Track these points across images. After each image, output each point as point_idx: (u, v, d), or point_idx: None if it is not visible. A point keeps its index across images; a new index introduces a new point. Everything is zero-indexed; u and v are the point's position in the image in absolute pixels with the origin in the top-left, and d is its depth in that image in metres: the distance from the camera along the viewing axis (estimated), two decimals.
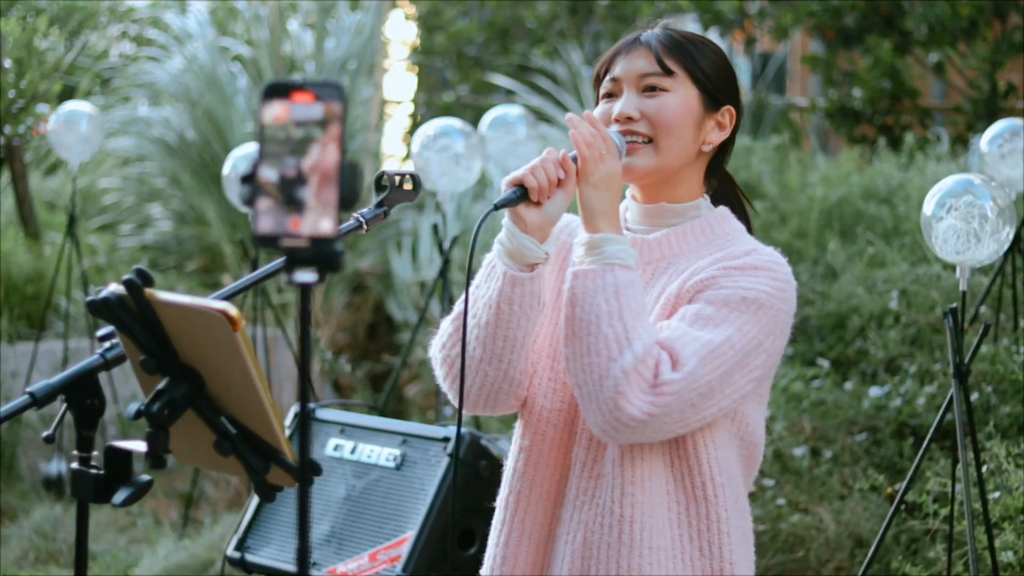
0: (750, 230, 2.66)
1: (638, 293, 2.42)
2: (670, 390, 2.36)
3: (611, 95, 2.60)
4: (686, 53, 2.56)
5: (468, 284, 2.61)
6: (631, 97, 2.56)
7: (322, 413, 4.31)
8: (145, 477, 2.18)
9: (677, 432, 2.43)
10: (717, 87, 2.58)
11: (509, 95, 10.75)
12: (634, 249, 2.46)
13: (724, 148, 2.65)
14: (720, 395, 2.42)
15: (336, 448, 4.20)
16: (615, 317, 2.38)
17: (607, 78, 2.60)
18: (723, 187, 2.70)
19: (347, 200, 1.66)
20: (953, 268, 4.05)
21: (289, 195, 1.66)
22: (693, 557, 2.49)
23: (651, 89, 2.55)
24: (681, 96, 2.55)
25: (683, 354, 2.37)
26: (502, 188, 2.51)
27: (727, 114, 2.61)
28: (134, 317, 2.10)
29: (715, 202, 2.67)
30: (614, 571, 2.48)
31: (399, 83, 11.82)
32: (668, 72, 2.55)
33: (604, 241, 2.43)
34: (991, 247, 3.88)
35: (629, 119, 2.55)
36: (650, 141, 2.55)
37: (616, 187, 2.48)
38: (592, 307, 2.39)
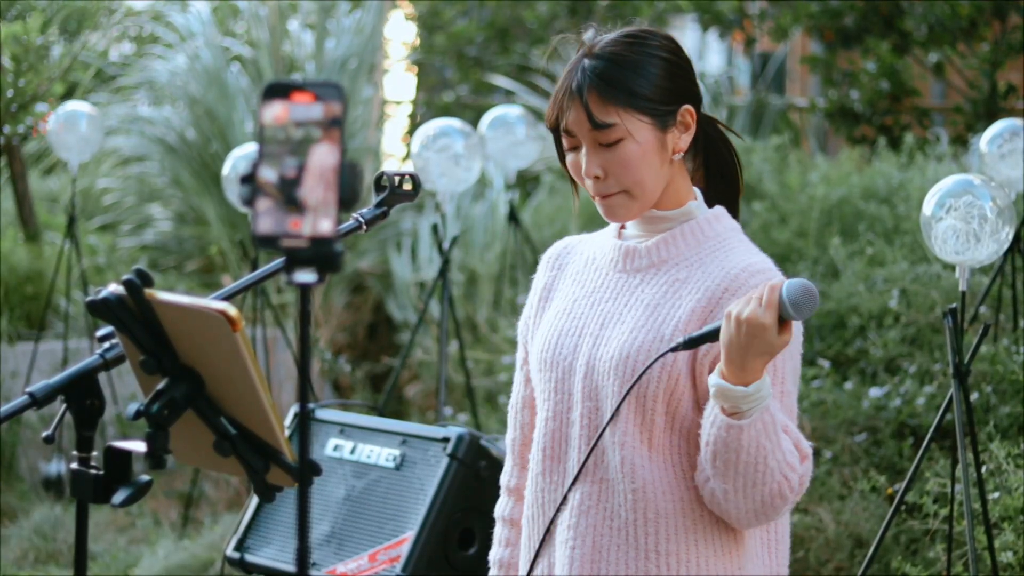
0: (735, 205, 2.66)
1: (776, 413, 2.43)
2: (808, 478, 2.47)
3: (574, 146, 2.56)
4: (622, 91, 2.50)
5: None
6: (591, 154, 2.53)
7: (322, 413, 4.31)
8: (145, 477, 2.18)
9: None
10: (666, 103, 2.53)
11: (509, 95, 10.76)
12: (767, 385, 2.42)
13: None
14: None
15: (336, 448, 4.20)
16: (775, 452, 2.40)
17: (561, 127, 2.55)
18: (711, 156, 2.68)
19: (347, 200, 1.66)
20: (953, 268, 4.05)
21: (289, 195, 1.66)
22: (708, 559, 2.50)
23: (605, 139, 2.51)
24: (637, 138, 2.51)
25: (799, 438, 2.47)
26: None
27: (686, 114, 2.55)
28: (134, 317, 2.10)
29: (709, 179, 2.67)
30: (623, 571, 2.50)
31: (399, 83, 11.82)
32: (610, 125, 2.49)
33: (749, 393, 2.38)
34: (991, 247, 3.88)
35: (597, 178, 2.53)
36: (623, 190, 2.54)
37: (758, 333, 2.35)
38: (757, 450, 2.40)
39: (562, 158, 2.60)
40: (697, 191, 2.62)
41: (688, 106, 2.56)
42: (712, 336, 2.41)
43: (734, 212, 2.66)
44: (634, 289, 2.57)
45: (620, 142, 2.51)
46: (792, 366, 2.50)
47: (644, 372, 2.46)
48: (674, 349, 2.45)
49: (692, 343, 2.43)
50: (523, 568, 2.65)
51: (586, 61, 2.54)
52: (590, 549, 2.53)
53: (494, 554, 2.76)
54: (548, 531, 2.59)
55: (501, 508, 2.77)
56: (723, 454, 2.39)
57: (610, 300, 2.59)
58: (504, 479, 2.77)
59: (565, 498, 2.56)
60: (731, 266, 2.52)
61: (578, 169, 2.56)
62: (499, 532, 2.77)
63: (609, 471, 2.52)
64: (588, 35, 2.60)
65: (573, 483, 2.55)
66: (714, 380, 2.39)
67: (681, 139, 2.56)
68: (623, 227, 2.65)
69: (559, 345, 2.59)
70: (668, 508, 2.49)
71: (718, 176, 2.67)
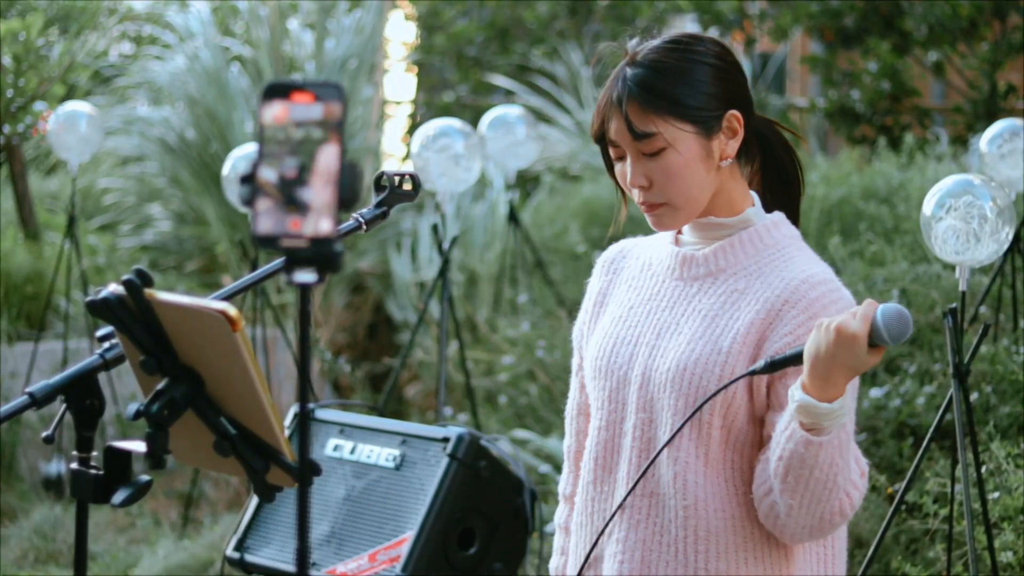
0: (795, 209, 2.63)
1: (849, 433, 2.38)
2: (863, 496, 2.42)
3: (620, 156, 2.53)
4: (662, 99, 2.46)
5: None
6: (635, 163, 2.49)
7: (322, 413, 4.31)
8: (145, 477, 2.18)
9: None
10: (711, 109, 2.49)
11: (509, 95, 10.76)
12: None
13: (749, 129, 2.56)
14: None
15: (336, 448, 4.20)
16: (844, 470, 2.36)
17: (607, 137, 2.52)
18: (767, 159, 2.63)
19: (347, 200, 1.66)
20: (953, 268, 4.05)
21: (289, 195, 1.66)
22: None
23: (648, 149, 2.48)
24: (680, 148, 2.47)
25: (858, 455, 2.42)
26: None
27: (732, 119, 2.50)
28: (134, 317, 2.10)
29: (766, 179, 2.63)
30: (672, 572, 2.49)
31: (399, 83, 11.83)
32: (650, 135, 2.46)
33: (833, 410, 2.32)
34: (991, 247, 3.88)
35: (643, 187, 2.50)
36: (667, 202, 2.51)
37: (846, 344, 2.28)
38: (830, 467, 2.34)
39: (610, 168, 2.57)
40: (755, 196, 2.58)
41: (734, 111, 2.50)
42: (795, 359, 2.35)
43: (794, 217, 2.62)
44: (691, 298, 2.53)
45: (663, 151, 2.47)
46: (854, 383, 2.41)
47: (714, 396, 2.41)
48: (754, 372, 2.40)
49: (775, 366, 2.38)
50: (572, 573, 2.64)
51: (628, 70, 2.50)
52: (639, 564, 2.50)
53: (553, 563, 2.74)
54: (595, 543, 2.57)
55: (559, 517, 2.75)
56: (797, 469, 2.34)
57: (667, 309, 2.55)
58: (561, 487, 2.75)
59: (618, 509, 2.54)
60: (791, 277, 2.47)
61: (625, 179, 2.52)
62: (557, 541, 2.75)
63: (660, 485, 2.49)
64: (632, 43, 2.55)
65: (625, 498, 2.52)
66: (798, 395, 2.31)
67: (728, 145, 2.51)
68: (680, 232, 2.61)
69: (614, 354, 2.56)
70: (719, 526, 2.46)
71: (776, 180, 2.63)
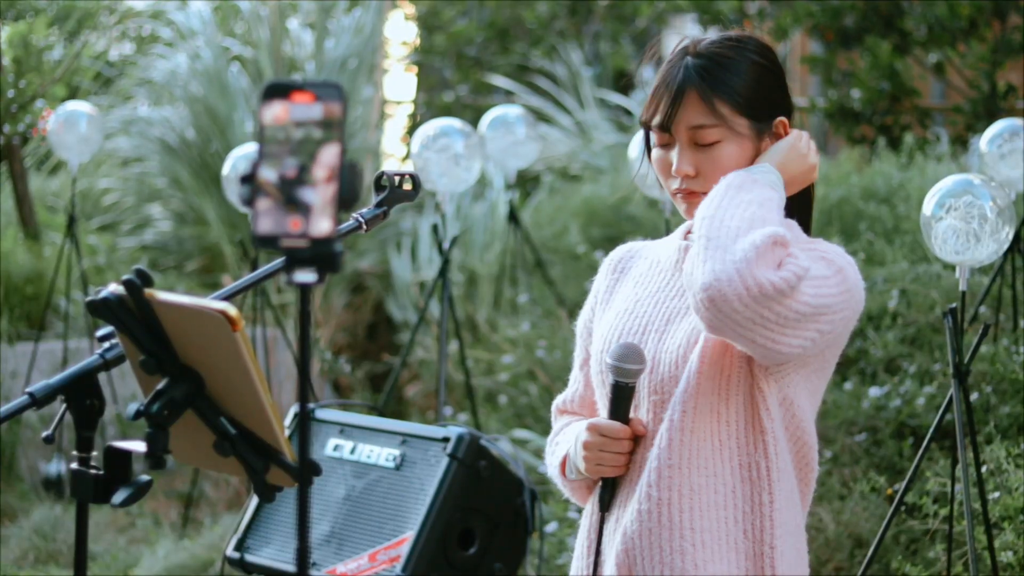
0: (807, 217, 2.67)
1: (757, 190, 2.45)
2: (793, 268, 2.35)
3: (666, 143, 2.56)
4: (725, 93, 2.52)
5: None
6: (685, 152, 2.54)
7: (322, 413, 4.32)
8: (145, 477, 2.18)
9: (761, 340, 2.38)
10: (763, 105, 2.55)
11: (509, 95, 10.77)
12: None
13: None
14: (802, 328, 2.39)
15: (336, 448, 4.20)
16: (768, 206, 2.42)
17: (655, 124, 2.56)
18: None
19: (347, 200, 1.66)
20: (953, 268, 4.05)
21: (289, 195, 1.66)
22: (737, 539, 2.47)
23: (704, 139, 2.52)
24: (734, 142, 2.52)
25: (800, 257, 2.39)
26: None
27: (780, 126, 2.57)
28: (134, 317, 2.10)
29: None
30: (656, 548, 2.49)
31: (399, 83, 11.83)
32: (710, 125, 2.51)
33: (767, 171, 2.49)
34: (991, 247, 3.88)
35: (687, 176, 2.53)
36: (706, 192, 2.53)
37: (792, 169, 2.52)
38: (754, 191, 2.42)
39: (647, 153, 2.62)
40: None
41: (783, 118, 2.58)
42: None
43: (806, 226, 2.65)
44: None
45: (717, 144, 2.52)
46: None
47: None
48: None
49: None
50: (576, 565, 2.65)
51: (689, 59, 2.55)
52: (620, 537, 2.52)
53: (557, 426, 2.77)
54: (600, 545, 2.59)
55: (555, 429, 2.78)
56: (725, 181, 2.46)
57: (675, 298, 2.59)
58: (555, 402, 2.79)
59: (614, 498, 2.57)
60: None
61: (665, 167, 2.57)
62: (560, 426, 2.76)
63: (648, 451, 2.52)
64: (689, 36, 2.60)
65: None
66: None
67: None
68: (691, 232, 2.62)
69: None
70: (700, 481, 2.48)
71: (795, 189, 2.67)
